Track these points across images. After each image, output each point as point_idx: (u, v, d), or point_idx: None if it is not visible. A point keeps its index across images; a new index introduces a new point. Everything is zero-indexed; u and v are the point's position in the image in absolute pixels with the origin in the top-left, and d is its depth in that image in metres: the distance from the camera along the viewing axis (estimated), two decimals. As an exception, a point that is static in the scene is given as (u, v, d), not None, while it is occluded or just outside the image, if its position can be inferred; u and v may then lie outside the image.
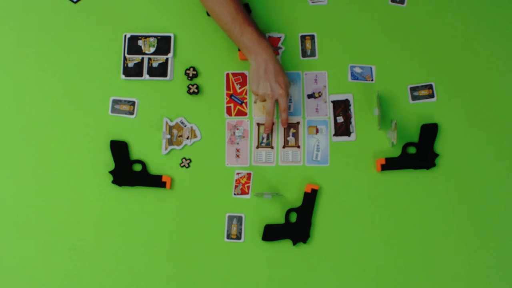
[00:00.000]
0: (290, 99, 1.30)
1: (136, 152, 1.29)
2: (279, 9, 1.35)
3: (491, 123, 1.29)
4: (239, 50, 1.32)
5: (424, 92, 1.30)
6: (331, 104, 1.30)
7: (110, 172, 1.27)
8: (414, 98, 1.30)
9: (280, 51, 1.33)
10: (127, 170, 1.27)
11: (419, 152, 1.26)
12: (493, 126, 1.29)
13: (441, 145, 1.28)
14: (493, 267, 1.23)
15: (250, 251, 1.24)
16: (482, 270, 1.23)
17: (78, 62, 1.33)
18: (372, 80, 1.31)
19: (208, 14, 1.34)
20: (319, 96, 1.31)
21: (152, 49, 1.32)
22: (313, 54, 1.33)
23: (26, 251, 1.25)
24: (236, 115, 1.31)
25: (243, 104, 1.31)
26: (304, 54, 1.33)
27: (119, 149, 1.28)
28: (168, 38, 1.33)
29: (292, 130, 1.30)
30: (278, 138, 1.29)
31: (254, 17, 1.34)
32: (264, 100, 1.23)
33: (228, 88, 1.32)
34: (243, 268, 1.24)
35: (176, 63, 1.33)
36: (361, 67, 1.32)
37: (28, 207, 1.27)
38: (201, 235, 1.25)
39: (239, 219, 1.25)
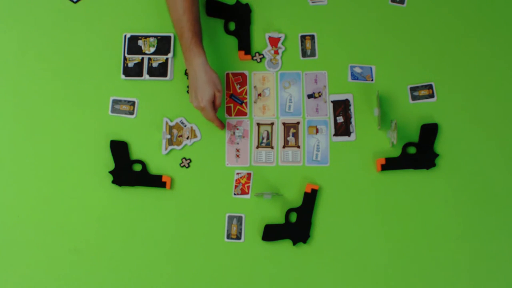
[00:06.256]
0: (291, 99, 1.30)
1: (136, 152, 1.29)
2: (279, 9, 1.35)
3: (491, 123, 1.29)
4: (239, 50, 1.33)
5: (424, 92, 1.30)
6: (331, 104, 1.30)
7: (110, 172, 1.27)
8: (414, 98, 1.30)
9: (280, 51, 1.33)
10: (127, 170, 1.27)
11: (419, 152, 1.26)
12: (493, 126, 1.29)
13: (441, 145, 1.28)
14: (493, 266, 1.23)
15: (250, 251, 1.24)
16: (483, 270, 1.23)
17: (78, 62, 1.33)
18: (372, 80, 1.31)
19: (207, 14, 1.35)
20: (319, 96, 1.31)
21: (152, 49, 1.32)
22: (313, 54, 1.33)
23: (27, 252, 1.25)
24: (236, 115, 1.31)
25: (243, 104, 1.31)
26: (304, 54, 1.33)
27: (119, 149, 1.28)
28: (168, 38, 1.33)
29: (292, 130, 1.30)
30: (278, 138, 1.29)
31: (254, 17, 1.35)
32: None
33: (228, 88, 1.32)
34: (243, 268, 1.24)
35: (176, 63, 1.33)
36: (361, 67, 1.32)
37: (28, 208, 1.27)
38: (201, 235, 1.25)
39: (239, 219, 1.25)
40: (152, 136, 1.29)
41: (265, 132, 1.30)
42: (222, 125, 1.26)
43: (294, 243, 1.24)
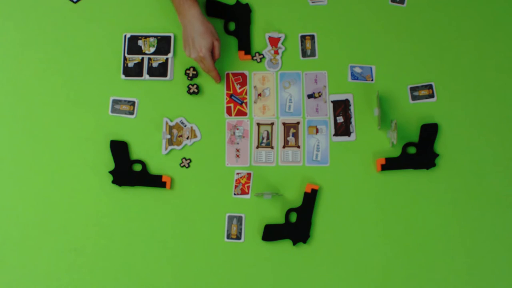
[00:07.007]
0: (291, 99, 1.30)
1: (136, 152, 1.29)
2: (279, 9, 1.35)
3: (491, 123, 1.29)
4: (239, 50, 1.33)
5: (424, 92, 1.30)
6: (331, 104, 1.30)
7: (110, 172, 1.27)
8: (414, 98, 1.30)
9: (280, 51, 1.33)
10: (127, 170, 1.27)
11: (419, 152, 1.26)
12: (493, 126, 1.29)
13: (441, 145, 1.28)
14: (493, 266, 1.23)
15: (250, 251, 1.24)
16: (482, 270, 1.23)
17: (78, 62, 1.33)
18: (372, 80, 1.31)
19: (207, 14, 1.35)
20: (319, 96, 1.31)
21: (152, 49, 1.32)
22: (313, 54, 1.33)
23: (27, 252, 1.25)
24: (236, 115, 1.31)
25: (243, 104, 1.31)
26: (304, 54, 1.33)
27: (119, 149, 1.28)
28: (168, 38, 1.33)
29: (292, 130, 1.30)
30: (278, 138, 1.29)
31: (254, 17, 1.35)
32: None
33: (228, 88, 1.32)
34: (243, 268, 1.24)
35: (176, 63, 1.33)
36: (361, 67, 1.32)
37: (28, 208, 1.27)
38: (201, 235, 1.25)
39: (239, 219, 1.25)
40: (152, 136, 1.29)
41: (265, 132, 1.30)
42: (219, 77, 1.28)
43: (294, 243, 1.24)
